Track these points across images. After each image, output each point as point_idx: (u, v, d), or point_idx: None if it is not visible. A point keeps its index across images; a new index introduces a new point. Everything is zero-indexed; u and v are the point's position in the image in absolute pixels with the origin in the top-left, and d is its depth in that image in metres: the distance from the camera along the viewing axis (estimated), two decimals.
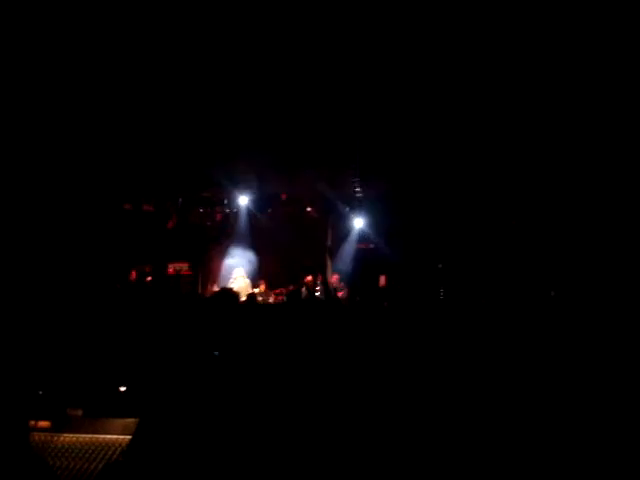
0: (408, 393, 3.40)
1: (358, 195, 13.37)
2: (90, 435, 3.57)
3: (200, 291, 12.95)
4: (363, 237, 13.71)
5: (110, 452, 3.52)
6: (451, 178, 12.02)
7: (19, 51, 8.64)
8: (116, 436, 3.52)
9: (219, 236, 13.99)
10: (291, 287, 12.16)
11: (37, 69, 9.10)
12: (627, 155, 9.93)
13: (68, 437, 3.60)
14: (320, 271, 13.08)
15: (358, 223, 13.63)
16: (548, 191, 11.46)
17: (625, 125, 9.69)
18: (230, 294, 4.69)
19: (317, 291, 12.33)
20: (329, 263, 13.75)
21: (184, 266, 13.41)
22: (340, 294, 11.98)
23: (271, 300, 11.95)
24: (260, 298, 11.68)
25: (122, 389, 3.82)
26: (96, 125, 10.63)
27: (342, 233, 13.90)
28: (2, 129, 10.19)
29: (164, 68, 9.28)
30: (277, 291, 12.23)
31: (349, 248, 13.66)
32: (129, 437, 3.26)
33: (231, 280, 12.13)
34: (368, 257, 13.41)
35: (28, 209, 11.94)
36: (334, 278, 12.81)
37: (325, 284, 11.01)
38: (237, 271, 12.29)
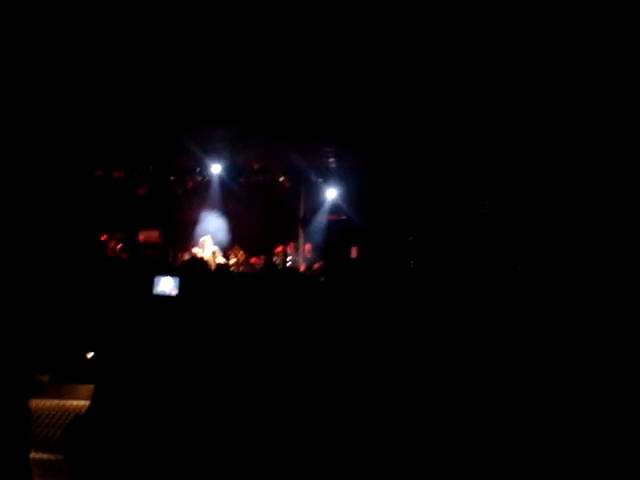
0: (388, 374, 3.41)
1: (331, 166, 13.36)
2: (57, 400, 3.57)
3: (171, 259, 12.88)
4: (335, 208, 13.73)
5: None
6: (425, 150, 12.05)
7: None
8: (83, 401, 3.52)
9: (190, 204, 13.89)
10: (262, 257, 12.15)
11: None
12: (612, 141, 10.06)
13: (34, 402, 3.58)
14: (293, 241, 13.10)
15: (331, 194, 13.63)
16: (521, 165, 11.54)
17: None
18: (199, 263, 4.66)
19: (289, 262, 12.34)
20: (301, 234, 13.77)
21: (154, 234, 13.31)
22: (316, 266, 11.97)
23: (242, 269, 11.91)
24: (232, 268, 11.65)
25: (89, 355, 3.82)
26: (69, 91, 10.45)
27: (315, 204, 13.90)
28: None
29: (137, 32, 9.11)
30: (251, 260, 12.15)
31: (321, 219, 13.67)
32: None
33: (197, 249, 11.98)
34: (340, 228, 13.45)
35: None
36: (307, 247, 12.81)
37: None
38: (204, 239, 12.14)
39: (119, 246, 11.93)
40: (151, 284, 3.56)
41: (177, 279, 3.60)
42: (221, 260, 11.75)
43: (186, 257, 12.15)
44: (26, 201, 11.60)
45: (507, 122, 10.80)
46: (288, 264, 12.09)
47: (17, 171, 11.42)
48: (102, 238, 12.38)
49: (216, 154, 12.96)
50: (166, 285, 3.64)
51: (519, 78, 9.68)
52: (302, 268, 11.91)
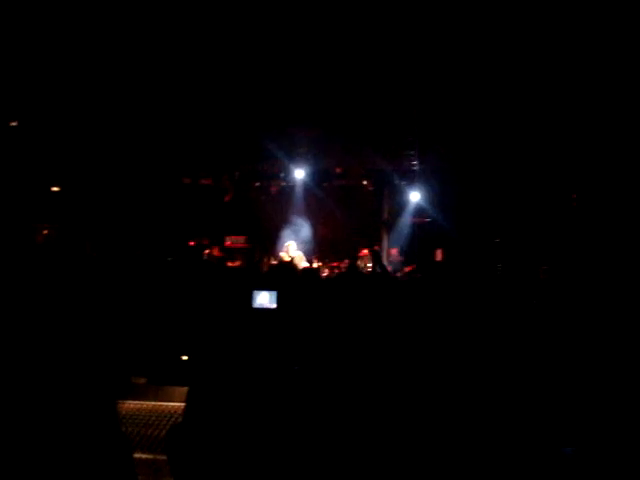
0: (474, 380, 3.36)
1: (414, 168, 13.25)
2: (153, 402, 3.69)
3: (254, 263, 13.09)
4: (419, 211, 13.61)
5: (172, 419, 3.64)
6: (509, 151, 11.79)
7: None
8: (178, 404, 3.62)
9: (274, 209, 14.09)
10: (346, 261, 12.15)
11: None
12: None
13: (132, 404, 3.71)
14: (377, 245, 13.07)
15: (414, 197, 13.51)
16: (609, 164, 11.12)
17: None
18: (288, 267, 4.72)
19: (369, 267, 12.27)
20: (385, 237, 13.71)
21: (241, 239, 13.59)
22: (407, 269, 11.84)
23: (325, 274, 11.96)
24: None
25: (184, 358, 3.93)
26: (156, 101, 10.80)
27: (398, 207, 13.82)
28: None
29: (221, 43, 9.32)
30: (332, 264, 12.22)
31: (405, 222, 13.57)
32: None
33: (282, 254, 12.11)
34: (424, 231, 13.31)
35: (97, 183, 12.32)
36: (394, 251, 12.74)
37: (378, 258, 10.94)
38: (289, 244, 12.26)
39: (214, 251, 12.26)
40: (249, 296, 3.65)
41: (275, 293, 3.67)
42: (305, 264, 11.84)
43: (272, 261, 12.32)
44: (122, 210, 12.09)
45: (592, 117, 10.44)
46: (369, 269, 12.01)
47: (115, 182, 11.93)
48: (190, 244, 12.75)
49: (299, 159, 13.08)
50: (264, 299, 3.72)
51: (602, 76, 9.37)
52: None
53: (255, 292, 3.65)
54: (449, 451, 2.91)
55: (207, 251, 12.33)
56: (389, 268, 11.80)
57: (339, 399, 2.88)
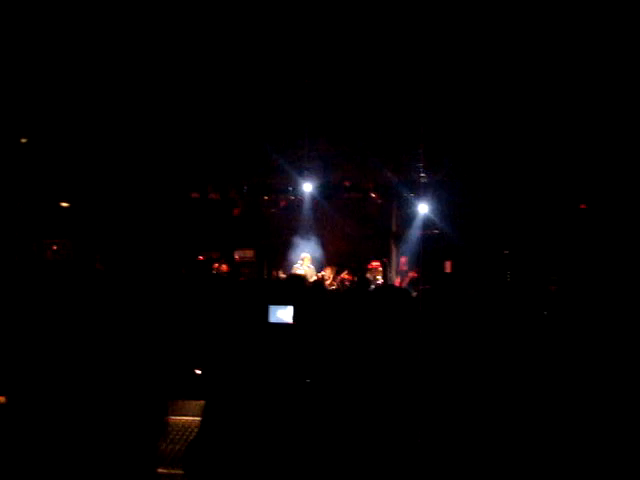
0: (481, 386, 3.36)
1: (422, 180, 13.26)
2: (168, 417, 3.70)
3: (265, 278, 13.14)
4: (427, 223, 13.61)
5: (187, 433, 3.65)
6: (517, 162, 11.79)
7: None
8: (192, 417, 3.64)
9: (282, 223, 14.15)
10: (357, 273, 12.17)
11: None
12: None
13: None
14: (386, 257, 13.07)
15: (422, 209, 13.52)
16: (618, 175, 11.10)
17: None
18: (299, 279, 4.75)
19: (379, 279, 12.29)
20: (394, 249, 13.72)
21: (249, 253, 13.64)
22: (410, 274, 11.86)
23: (335, 286, 11.99)
24: (327, 283, 11.74)
25: (198, 372, 3.94)
26: (165, 115, 10.87)
27: (407, 219, 13.83)
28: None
29: (232, 52, 9.37)
30: (342, 277, 12.23)
31: (414, 234, 13.57)
32: None
33: (297, 265, 12.21)
34: (433, 243, 13.30)
35: (106, 199, 12.39)
36: (402, 260, 12.75)
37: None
38: (304, 256, 12.36)
39: (223, 265, 12.32)
40: (266, 312, 3.65)
41: (291, 308, 3.68)
42: (315, 277, 11.89)
43: (281, 275, 12.37)
44: (131, 224, 12.14)
45: (600, 129, 10.43)
46: (379, 281, 12.03)
47: (124, 196, 11.98)
48: (200, 258, 12.80)
49: (308, 172, 13.12)
50: (281, 314, 3.72)
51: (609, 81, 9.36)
52: (397, 282, 11.86)
53: (272, 307, 3.66)
54: (457, 461, 2.91)
55: (216, 265, 12.37)
56: (398, 279, 11.82)
57: (350, 412, 2.89)
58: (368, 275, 12.16)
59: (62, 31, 8.66)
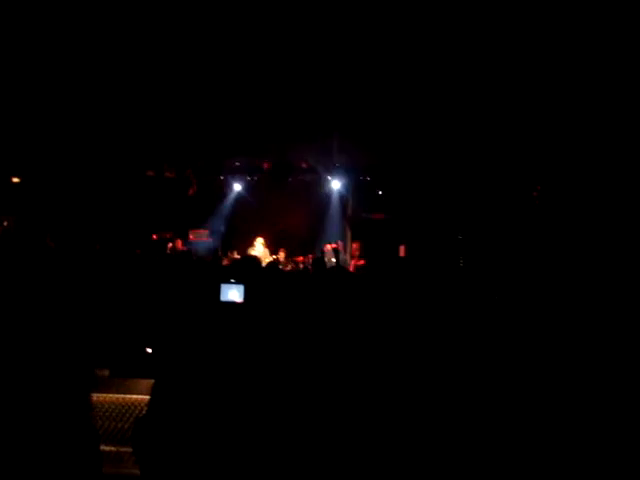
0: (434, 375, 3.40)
1: (378, 165, 13.33)
2: (117, 395, 3.67)
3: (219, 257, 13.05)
4: (383, 207, 13.68)
5: (137, 411, 3.62)
6: (470, 147, 11.90)
7: None
8: (142, 396, 3.61)
9: (238, 204, 14.09)
10: (311, 256, 12.18)
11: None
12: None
13: (95, 396, 3.68)
14: (339, 240, 13.10)
15: (379, 193, 13.61)
16: (571, 159, 11.24)
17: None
18: (253, 260, 4.73)
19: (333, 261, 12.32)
20: (349, 233, 13.77)
21: (203, 233, 13.54)
22: (359, 262, 11.92)
23: (289, 268, 12.00)
24: (280, 266, 11.73)
25: (148, 351, 3.91)
26: (123, 94, 10.68)
27: (363, 203, 13.90)
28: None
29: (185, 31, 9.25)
30: (297, 259, 12.27)
31: (369, 218, 13.65)
32: None
33: (251, 247, 12.24)
34: (389, 227, 13.37)
35: (55, 177, 12.13)
36: (354, 246, 12.79)
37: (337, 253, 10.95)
38: (257, 239, 12.41)
39: (178, 244, 12.23)
40: (216, 290, 3.64)
41: (242, 287, 3.68)
42: (270, 259, 11.88)
43: (235, 255, 12.32)
44: (84, 201, 11.92)
45: (553, 109, 10.55)
46: (333, 262, 12.05)
47: (75, 172, 11.74)
48: (153, 237, 12.66)
49: (264, 153, 13.07)
50: (232, 293, 3.72)
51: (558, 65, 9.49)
52: (351, 267, 11.89)
53: (223, 286, 3.65)
54: (429, 445, 2.95)
55: (170, 244, 12.25)
56: (351, 262, 11.86)
57: (296, 387, 2.91)
58: (325, 259, 12.18)
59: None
